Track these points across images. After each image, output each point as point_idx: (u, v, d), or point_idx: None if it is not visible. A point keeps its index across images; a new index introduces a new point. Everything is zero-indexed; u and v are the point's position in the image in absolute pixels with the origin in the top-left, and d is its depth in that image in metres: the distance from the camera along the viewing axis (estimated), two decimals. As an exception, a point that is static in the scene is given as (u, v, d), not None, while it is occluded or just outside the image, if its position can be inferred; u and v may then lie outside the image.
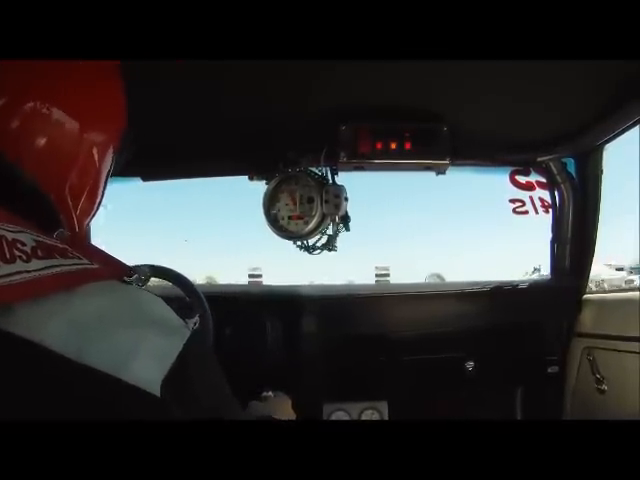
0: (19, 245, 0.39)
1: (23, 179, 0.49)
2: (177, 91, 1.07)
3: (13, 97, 0.51)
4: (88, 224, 0.63)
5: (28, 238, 0.40)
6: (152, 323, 0.43)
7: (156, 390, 0.39)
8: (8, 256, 0.38)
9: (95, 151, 0.57)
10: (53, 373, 0.36)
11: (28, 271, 0.38)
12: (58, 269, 0.40)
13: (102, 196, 0.62)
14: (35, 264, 0.39)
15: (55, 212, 0.52)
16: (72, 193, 0.55)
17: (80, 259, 0.43)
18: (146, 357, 0.40)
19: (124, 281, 0.48)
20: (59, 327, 0.37)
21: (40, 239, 0.42)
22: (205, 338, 0.51)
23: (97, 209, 0.63)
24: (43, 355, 0.35)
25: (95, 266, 0.44)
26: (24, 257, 0.39)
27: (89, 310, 0.39)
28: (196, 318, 0.50)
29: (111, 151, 0.61)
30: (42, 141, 0.52)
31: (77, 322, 0.38)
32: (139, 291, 0.47)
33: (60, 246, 0.43)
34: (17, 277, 0.37)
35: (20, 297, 0.37)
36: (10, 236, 0.39)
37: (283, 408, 0.89)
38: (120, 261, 0.50)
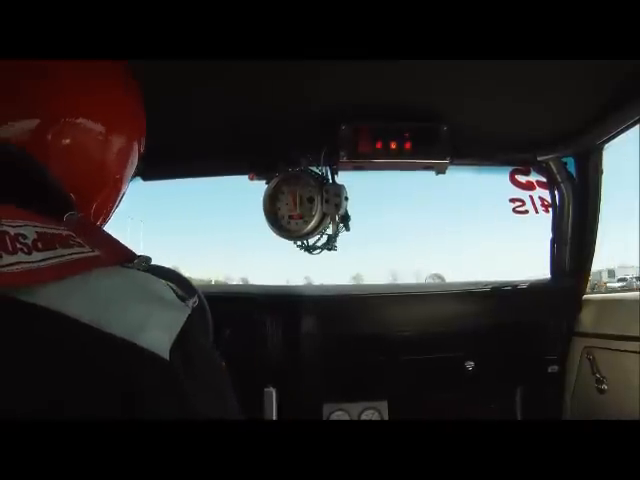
0: (21, 239, 0.41)
1: (50, 180, 0.52)
2: (177, 90, 1.07)
3: (42, 102, 0.54)
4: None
5: (30, 231, 0.43)
6: (158, 299, 0.46)
7: (166, 355, 0.42)
8: (11, 249, 0.40)
9: (120, 158, 0.61)
10: (82, 340, 0.39)
11: (28, 262, 0.40)
12: (56, 260, 0.42)
13: (119, 202, 0.66)
14: (35, 256, 0.41)
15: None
16: (93, 196, 0.59)
17: (82, 246, 0.45)
18: (155, 327, 0.43)
19: (125, 266, 0.49)
20: (81, 301, 0.41)
21: (42, 230, 0.44)
22: (204, 318, 0.55)
23: (112, 213, 0.66)
24: (71, 324, 0.39)
25: (96, 253, 0.46)
26: (25, 249, 0.41)
27: (102, 287, 0.43)
28: (195, 298, 0.52)
29: (134, 158, 0.64)
30: (70, 146, 0.55)
31: (95, 297, 0.42)
32: (142, 273, 0.49)
33: (64, 234, 0.45)
34: (17, 267, 0.39)
35: (20, 282, 0.39)
36: (13, 231, 0.41)
37: None
38: (124, 246, 0.51)
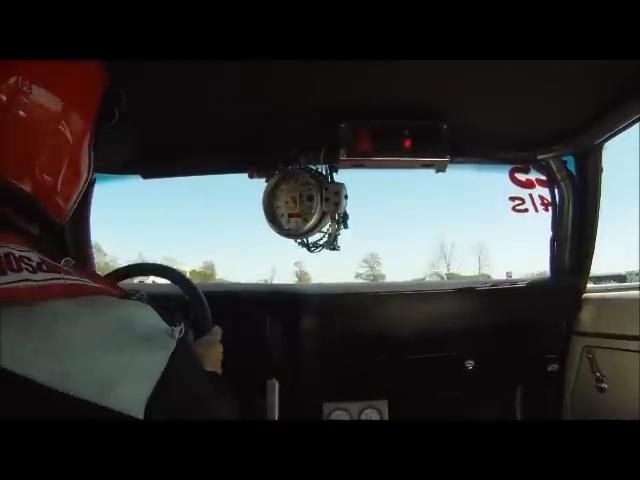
0: (26, 260, 0.43)
1: (23, 197, 0.51)
2: (177, 90, 1.07)
3: None
4: (77, 199, 0.62)
5: (35, 256, 0.45)
6: (138, 340, 0.45)
7: (140, 411, 0.41)
8: (16, 267, 0.41)
9: (65, 126, 0.55)
10: (38, 403, 0.38)
11: (34, 280, 0.42)
12: (62, 281, 0.44)
13: (89, 170, 0.61)
14: (41, 275, 0.43)
15: (33, 202, 0.52)
16: (45, 173, 0.54)
17: (82, 278, 0.47)
18: (130, 379, 0.42)
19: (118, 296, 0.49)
20: (46, 357, 0.39)
21: (46, 259, 0.46)
22: (191, 346, 0.53)
23: (86, 183, 0.62)
24: (28, 386, 0.37)
25: (96, 285, 0.47)
26: (30, 269, 0.42)
27: (75, 334, 0.41)
28: (181, 326, 0.50)
29: (88, 123, 0.59)
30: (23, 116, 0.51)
31: (62, 349, 0.40)
32: (129, 304, 0.48)
33: (65, 268, 0.47)
34: (23, 283, 0.40)
35: (24, 299, 0.40)
36: (17, 253, 0.43)
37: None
38: (119, 287, 0.53)
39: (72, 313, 0.42)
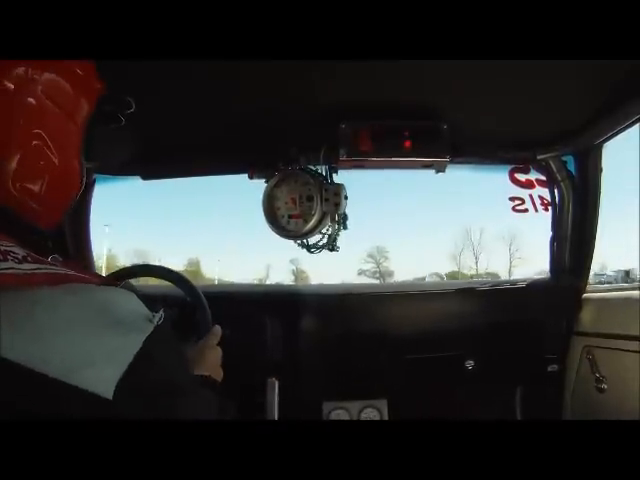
0: (12, 253, 0.44)
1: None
2: (177, 90, 1.07)
3: None
4: (68, 206, 0.62)
5: (20, 250, 0.46)
6: (114, 323, 0.45)
7: (109, 392, 0.41)
8: (2, 257, 0.43)
9: (46, 132, 0.54)
10: (18, 383, 0.39)
11: (19, 269, 0.43)
12: (46, 270, 0.45)
13: (80, 177, 0.60)
14: (26, 266, 0.44)
15: (14, 215, 0.52)
16: (21, 182, 0.52)
17: (66, 269, 0.48)
18: (101, 361, 0.42)
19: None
20: (24, 341, 0.40)
21: (31, 253, 0.47)
22: (170, 334, 0.53)
23: (78, 190, 0.61)
24: (10, 368, 0.38)
25: (79, 274, 0.48)
26: (16, 260, 0.44)
27: (54, 318, 0.42)
28: (160, 313, 0.51)
29: (74, 130, 0.58)
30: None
31: (41, 332, 0.41)
32: (110, 290, 0.49)
33: (51, 261, 0.49)
34: (9, 271, 0.42)
35: (10, 284, 0.41)
36: (3, 248, 0.44)
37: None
38: (103, 276, 0.53)
39: (53, 299, 0.43)
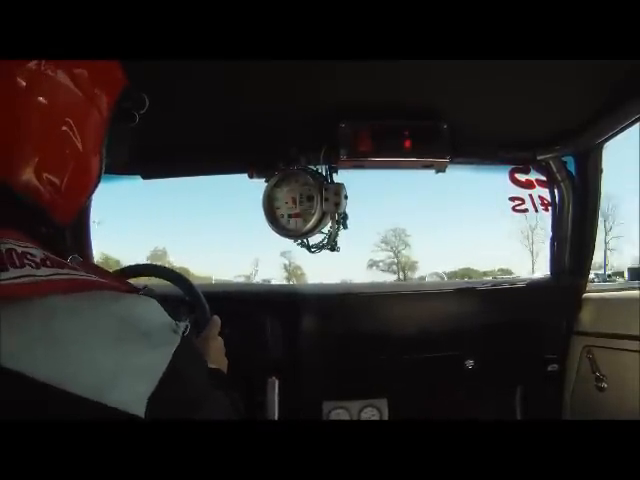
0: (29, 256, 0.42)
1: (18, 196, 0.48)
2: (177, 89, 1.07)
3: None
4: (85, 201, 0.60)
5: (38, 252, 0.43)
6: (140, 335, 0.43)
7: (141, 409, 0.39)
8: (18, 263, 0.40)
9: (75, 123, 0.52)
10: (35, 400, 0.36)
11: (36, 275, 0.40)
12: (66, 276, 0.43)
13: (99, 172, 0.58)
14: (44, 271, 0.41)
15: (35, 204, 0.50)
16: (48, 173, 0.51)
17: (88, 273, 0.46)
18: (130, 376, 0.40)
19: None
20: (44, 352, 0.37)
21: (50, 255, 0.44)
22: (194, 342, 0.50)
23: (96, 185, 0.59)
24: (25, 384, 0.36)
25: (101, 280, 0.46)
26: (33, 265, 0.41)
27: (73, 329, 0.40)
28: (187, 322, 0.49)
29: (101, 121, 0.56)
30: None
31: (60, 344, 0.38)
32: (133, 298, 0.47)
33: (70, 264, 0.46)
34: (25, 279, 0.39)
35: (26, 295, 0.39)
36: (20, 249, 0.42)
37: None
38: (126, 281, 0.52)
39: (72, 307, 0.41)
